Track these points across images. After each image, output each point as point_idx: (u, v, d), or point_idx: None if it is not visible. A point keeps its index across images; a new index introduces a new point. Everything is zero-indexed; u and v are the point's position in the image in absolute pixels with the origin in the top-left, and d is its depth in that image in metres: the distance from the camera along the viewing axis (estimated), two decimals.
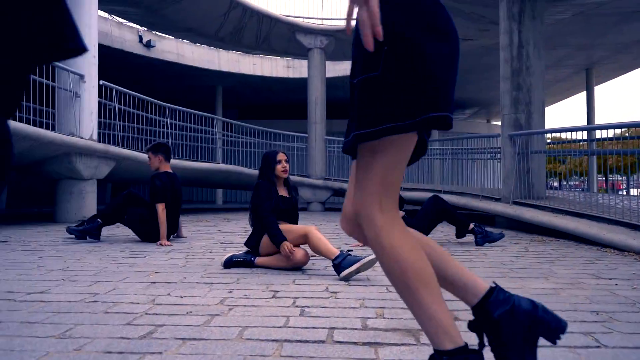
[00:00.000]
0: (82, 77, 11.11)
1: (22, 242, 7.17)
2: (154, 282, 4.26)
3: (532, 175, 10.21)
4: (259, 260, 5.12)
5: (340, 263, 4.54)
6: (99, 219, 7.34)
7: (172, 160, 12.57)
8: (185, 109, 15.22)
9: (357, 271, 4.47)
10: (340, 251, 4.70)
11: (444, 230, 9.19)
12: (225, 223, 11.27)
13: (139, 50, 20.06)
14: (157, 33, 20.90)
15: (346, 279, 4.46)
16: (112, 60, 19.58)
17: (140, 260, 5.49)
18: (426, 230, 7.11)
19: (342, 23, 17.99)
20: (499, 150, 11.91)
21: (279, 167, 5.43)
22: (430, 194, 8.92)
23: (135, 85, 13.69)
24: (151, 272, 4.74)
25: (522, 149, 10.12)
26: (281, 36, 18.30)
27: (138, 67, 21.37)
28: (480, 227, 7.08)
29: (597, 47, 18.52)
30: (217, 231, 9.24)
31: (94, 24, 11.39)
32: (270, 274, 4.78)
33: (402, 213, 7.28)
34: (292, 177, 17.19)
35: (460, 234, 7.18)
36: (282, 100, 28.48)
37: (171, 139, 14.79)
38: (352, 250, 4.73)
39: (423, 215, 7.14)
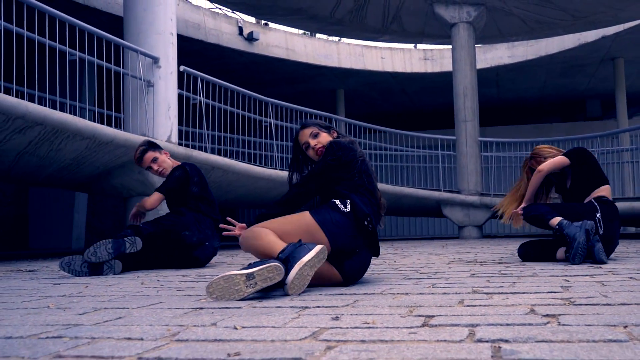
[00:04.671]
0: (156, 60, 10.08)
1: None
2: (201, 308, 2.79)
3: None
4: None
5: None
6: None
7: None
8: (296, 106, 13.93)
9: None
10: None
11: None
12: None
13: (239, 45, 19.17)
14: (261, 24, 20.03)
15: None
16: (205, 59, 18.88)
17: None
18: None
19: None
20: None
21: (310, 153, 4.20)
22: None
23: None
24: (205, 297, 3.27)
25: None
26: (415, 11, 16.83)
27: (238, 67, 20.52)
28: None
29: None
30: None
31: None
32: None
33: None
34: (437, 193, 15.71)
35: None
36: (419, 106, 26.97)
37: (277, 151, 13.54)
38: None
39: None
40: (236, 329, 2.20)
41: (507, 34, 18.26)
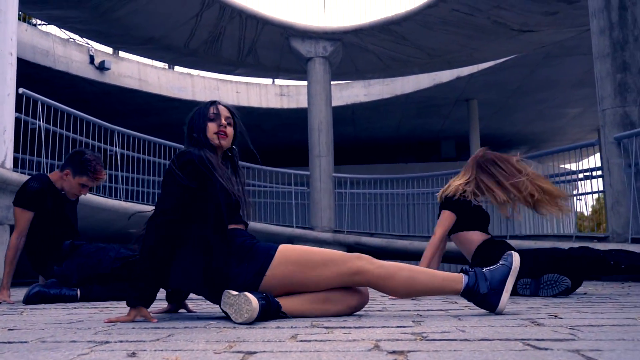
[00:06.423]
0: None
1: None
2: None
3: None
4: (288, 303, 3.19)
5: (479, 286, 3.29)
6: None
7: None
8: (144, 135, 13.36)
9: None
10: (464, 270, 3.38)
11: None
12: None
13: (90, 74, 18.42)
14: (115, 53, 19.36)
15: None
16: (54, 87, 18.04)
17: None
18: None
19: (352, 23, 16.22)
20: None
21: (211, 127, 3.51)
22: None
23: None
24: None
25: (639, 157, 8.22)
26: (271, 44, 16.61)
27: (89, 96, 19.67)
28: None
29: None
30: None
31: (12, 7, 9.68)
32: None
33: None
34: (290, 230, 15.32)
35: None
36: (275, 142, 26.61)
37: (122, 183, 12.89)
38: None
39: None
40: None
41: (363, 71, 18.24)
